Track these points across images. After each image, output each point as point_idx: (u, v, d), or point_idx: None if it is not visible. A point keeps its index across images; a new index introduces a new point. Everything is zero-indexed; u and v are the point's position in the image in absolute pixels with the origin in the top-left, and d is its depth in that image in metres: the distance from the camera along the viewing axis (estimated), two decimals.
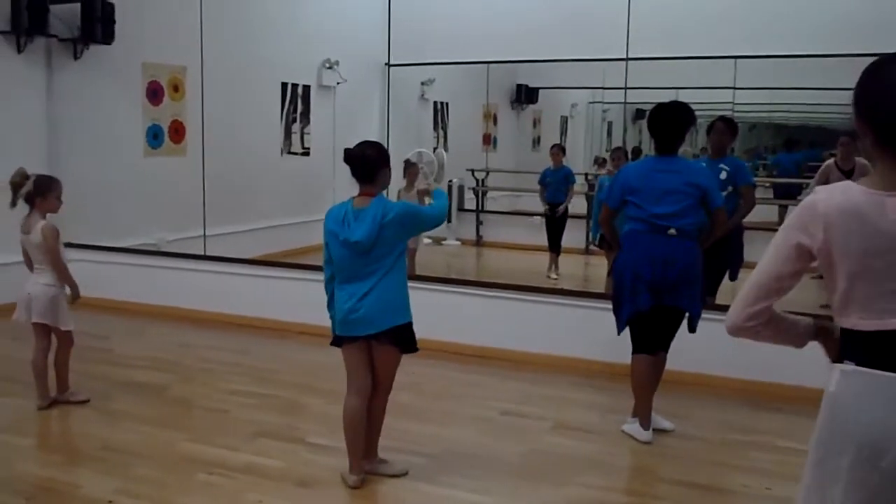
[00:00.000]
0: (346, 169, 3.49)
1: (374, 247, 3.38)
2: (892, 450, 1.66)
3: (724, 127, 5.27)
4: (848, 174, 5.83)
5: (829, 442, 1.75)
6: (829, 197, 1.73)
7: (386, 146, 3.60)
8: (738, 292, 1.88)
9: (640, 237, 4.11)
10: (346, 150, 3.49)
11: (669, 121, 4.12)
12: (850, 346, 1.76)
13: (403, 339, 3.52)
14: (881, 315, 1.71)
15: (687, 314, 4.19)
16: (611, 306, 4.28)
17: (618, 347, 4.34)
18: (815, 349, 1.91)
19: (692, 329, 4.23)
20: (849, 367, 1.74)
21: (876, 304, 1.71)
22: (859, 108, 1.74)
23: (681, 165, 4.14)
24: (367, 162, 3.44)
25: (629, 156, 7.19)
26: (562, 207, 7.95)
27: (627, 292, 4.11)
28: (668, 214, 4.02)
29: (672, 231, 4.03)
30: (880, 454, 1.67)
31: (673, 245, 4.03)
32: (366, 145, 3.50)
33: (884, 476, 1.68)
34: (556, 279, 7.71)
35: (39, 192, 4.35)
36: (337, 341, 3.58)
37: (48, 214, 4.44)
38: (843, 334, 1.79)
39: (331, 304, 3.59)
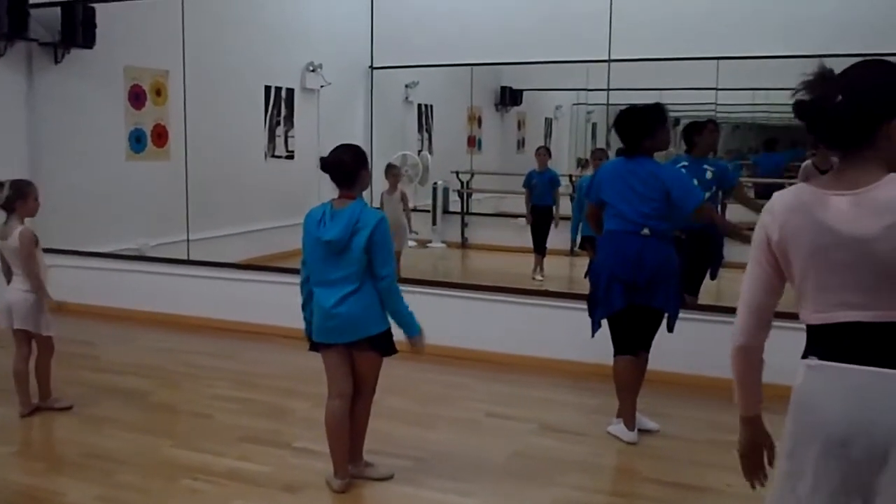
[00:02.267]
0: None
1: (346, 249, 3.36)
2: (856, 441, 1.70)
3: (715, 128, 5.39)
4: (825, 174, 5.89)
5: (798, 435, 1.80)
6: (783, 198, 1.82)
7: (370, 149, 3.59)
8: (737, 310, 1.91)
9: (612, 236, 4.15)
10: (322, 159, 3.46)
11: (629, 125, 4.14)
12: (812, 341, 1.81)
13: (382, 343, 3.51)
14: (829, 309, 1.76)
15: (666, 315, 4.21)
16: None
17: (602, 349, 4.35)
18: (793, 347, 1.90)
19: (670, 329, 4.25)
20: (813, 361, 1.78)
21: (824, 297, 1.76)
22: None
23: (647, 168, 4.10)
24: (345, 168, 3.42)
25: (608, 157, 7.21)
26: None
27: (602, 293, 4.14)
28: (638, 213, 4.04)
29: (646, 231, 4.05)
30: (845, 445, 1.71)
31: (645, 244, 4.04)
32: (341, 151, 3.46)
33: (848, 467, 1.72)
34: (541, 281, 7.71)
35: (21, 195, 4.33)
36: (314, 346, 3.57)
37: (27, 219, 4.41)
38: (807, 330, 1.83)
39: (306, 305, 3.59)
